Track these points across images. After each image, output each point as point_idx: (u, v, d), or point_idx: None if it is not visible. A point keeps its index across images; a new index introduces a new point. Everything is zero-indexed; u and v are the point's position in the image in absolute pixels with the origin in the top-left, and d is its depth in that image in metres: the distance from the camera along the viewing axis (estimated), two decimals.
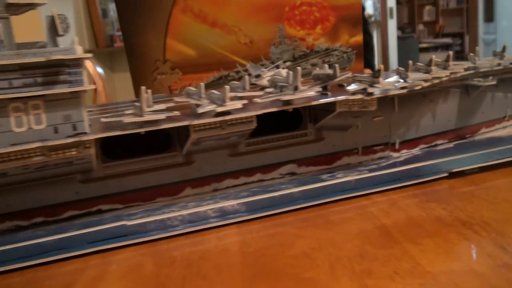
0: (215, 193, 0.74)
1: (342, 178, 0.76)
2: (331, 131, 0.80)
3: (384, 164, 0.82)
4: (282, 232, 0.65)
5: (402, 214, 0.67)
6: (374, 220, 0.66)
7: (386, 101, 0.82)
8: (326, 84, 0.83)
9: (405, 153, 0.87)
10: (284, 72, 0.92)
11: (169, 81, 1.20)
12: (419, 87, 0.78)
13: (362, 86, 0.73)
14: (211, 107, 0.65)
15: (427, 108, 0.88)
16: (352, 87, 0.73)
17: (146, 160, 0.71)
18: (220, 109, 0.64)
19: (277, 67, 0.95)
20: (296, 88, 0.68)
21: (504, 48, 0.94)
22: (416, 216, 0.66)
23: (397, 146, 0.86)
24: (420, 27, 6.68)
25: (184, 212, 0.68)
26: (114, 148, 0.68)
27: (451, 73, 0.85)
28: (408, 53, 5.47)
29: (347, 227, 0.65)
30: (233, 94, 0.71)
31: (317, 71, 0.84)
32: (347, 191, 0.75)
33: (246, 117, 0.67)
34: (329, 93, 0.74)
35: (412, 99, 0.85)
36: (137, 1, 1.05)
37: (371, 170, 0.79)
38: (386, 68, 5.19)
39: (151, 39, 1.12)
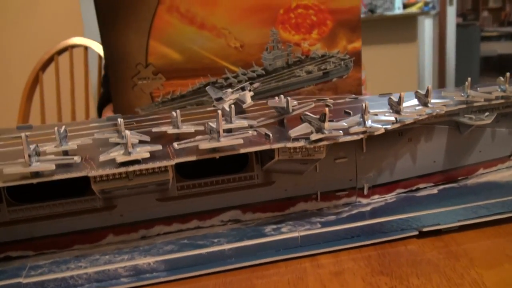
0: (139, 243, 0.65)
1: (286, 234, 0.65)
2: (283, 174, 0.69)
3: (345, 215, 0.70)
4: None
5: None
6: None
7: (353, 140, 0.70)
8: (282, 118, 0.72)
9: (376, 200, 0.75)
10: (248, 96, 0.82)
11: (151, 87, 1.13)
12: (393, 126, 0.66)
13: (309, 130, 0.61)
14: (114, 155, 0.56)
15: (405, 148, 0.75)
16: (298, 130, 0.62)
17: (62, 203, 0.63)
18: (121, 159, 0.55)
19: (243, 89, 0.84)
20: (219, 135, 0.58)
21: (506, 77, 0.79)
22: None
23: (365, 192, 0.74)
24: (485, 14, 6.23)
25: (91, 270, 0.59)
26: (22, 191, 0.61)
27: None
28: (469, 43, 5.14)
29: None
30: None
31: (272, 102, 0.73)
32: (290, 249, 0.64)
33: (159, 167, 0.58)
34: (270, 135, 0.63)
35: (385, 138, 0.72)
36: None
37: (324, 224, 0.67)
38: (442, 62, 4.87)
39: (132, 40, 1.06)
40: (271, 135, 0.63)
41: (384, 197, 0.76)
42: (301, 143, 0.60)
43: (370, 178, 0.74)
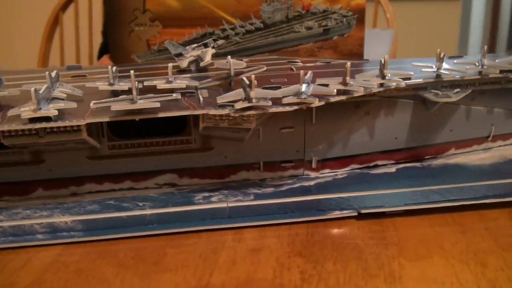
0: (66, 200, 0.64)
1: (214, 204, 0.62)
2: (223, 140, 0.66)
3: (284, 188, 0.66)
4: (91, 269, 0.54)
5: (243, 272, 0.52)
6: (204, 272, 0.52)
7: (300, 109, 0.65)
8: (229, 80, 0.67)
9: (326, 174, 0.70)
10: (209, 53, 0.78)
11: (148, 34, 1.12)
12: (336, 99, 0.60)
13: (239, 96, 0.57)
14: (23, 110, 0.53)
15: (361, 121, 0.69)
16: (228, 96, 0.57)
17: None
18: (27, 115, 0.52)
19: (205, 45, 0.79)
20: (132, 99, 0.54)
21: (484, 51, 0.71)
22: (258, 280, 0.51)
23: (314, 165, 0.69)
24: None
25: (6, 224, 0.59)
26: None
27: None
28: None
29: (167, 277, 0.52)
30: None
31: (219, 63, 0.69)
32: (216, 220, 0.61)
33: (71, 126, 0.55)
34: (201, 99, 0.59)
35: (338, 109, 0.67)
36: None
37: (259, 196, 0.64)
38: (495, 24, 4.56)
39: None
40: (201, 98, 0.59)
41: (336, 172, 0.71)
42: (225, 111, 0.56)
43: (319, 151, 0.69)
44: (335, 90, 0.59)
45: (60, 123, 0.54)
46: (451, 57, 0.79)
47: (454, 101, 0.67)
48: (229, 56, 0.68)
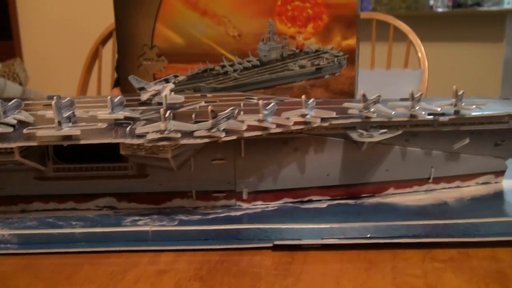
0: (12, 216, 0.71)
1: (138, 227, 0.67)
2: (158, 168, 0.71)
3: (210, 216, 0.70)
4: (11, 278, 0.59)
5: None
6: None
7: (230, 143, 0.70)
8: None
9: (258, 206, 0.74)
10: (167, 89, 0.84)
11: (154, 69, 1.20)
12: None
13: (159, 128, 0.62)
14: None
15: (290, 157, 0.72)
16: (149, 126, 0.63)
17: None
18: None
19: (167, 81, 0.86)
20: (59, 124, 0.60)
21: (410, 94, 0.73)
22: None
23: (244, 196, 0.73)
24: None
25: None
26: None
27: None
28: None
29: None
30: None
31: (158, 97, 0.74)
32: (140, 242, 0.66)
33: (5, 148, 0.62)
34: (127, 128, 0.64)
35: (266, 145, 0.71)
36: None
37: (183, 222, 0.68)
38: None
39: (140, 22, 1.14)
40: (128, 128, 0.65)
41: (268, 204, 0.74)
42: (140, 141, 0.61)
43: (249, 183, 0.72)
44: (245, 126, 0.64)
45: None
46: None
47: (376, 141, 0.69)
48: (167, 93, 0.73)
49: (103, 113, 0.70)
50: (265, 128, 0.65)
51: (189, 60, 1.17)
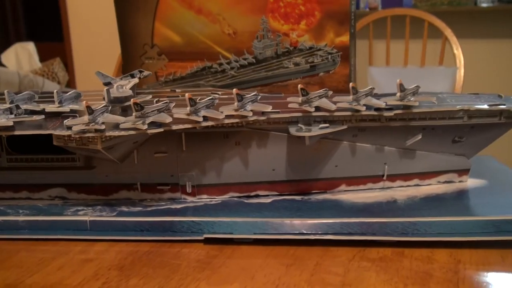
0: None
1: (77, 216, 0.69)
2: (103, 160, 0.72)
3: (150, 208, 0.71)
4: None
5: (57, 277, 0.58)
6: (27, 273, 0.59)
7: (173, 136, 0.70)
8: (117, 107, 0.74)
9: (203, 199, 0.74)
10: (131, 84, 0.86)
11: (156, 67, 1.23)
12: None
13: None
14: None
15: (232, 151, 0.72)
16: (79, 119, 0.64)
17: None
18: None
19: (132, 76, 0.88)
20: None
21: (355, 89, 0.70)
22: (64, 285, 0.57)
23: (188, 190, 0.73)
24: None
25: None
26: None
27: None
28: None
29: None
30: None
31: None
32: (78, 231, 0.68)
33: None
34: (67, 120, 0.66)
35: (207, 138, 0.71)
36: None
37: (122, 213, 0.69)
38: None
39: (140, 22, 1.17)
40: (68, 120, 0.67)
41: (214, 198, 0.74)
42: (68, 132, 0.63)
43: (192, 176, 0.73)
44: (170, 119, 0.64)
45: None
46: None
47: (314, 135, 0.67)
48: (106, 88, 0.75)
49: (51, 106, 0.72)
50: (196, 122, 0.65)
51: (188, 58, 1.18)
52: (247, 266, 0.60)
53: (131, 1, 1.15)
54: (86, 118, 0.61)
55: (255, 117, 0.68)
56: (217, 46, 1.18)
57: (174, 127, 0.65)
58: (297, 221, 0.66)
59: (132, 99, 0.63)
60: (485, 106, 0.70)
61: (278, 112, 0.69)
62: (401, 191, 0.75)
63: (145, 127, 0.62)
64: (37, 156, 0.73)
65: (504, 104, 0.71)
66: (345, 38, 1.15)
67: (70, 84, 3.91)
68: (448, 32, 2.39)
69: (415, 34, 2.63)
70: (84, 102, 0.62)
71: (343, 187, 0.76)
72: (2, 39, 4.29)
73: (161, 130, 0.64)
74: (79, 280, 0.57)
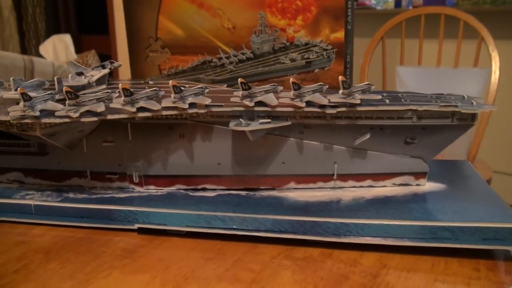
0: None
1: (23, 200, 0.71)
2: (55, 147, 0.74)
3: (95, 196, 0.72)
4: None
5: None
6: None
7: (120, 126, 0.72)
8: None
9: (151, 189, 0.75)
10: (100, 74, 0.88)
11: (159, 60, 1.27)
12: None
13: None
14: None
15: (176, 143, 0.72)
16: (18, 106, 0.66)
17: None
18: None
19: (103, 67, 0.89)
20: None
21: (297, 84, 0.68)
22: None
23: (135, 180, 0.74)
24: None
25: None
26: None
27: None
28: None
29: None
30: None
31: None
32: (24, 214, 0.70)
33: None
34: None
35: (152, 130, 0.71)
36: None
37: (66, 199, 0.71)
38: None
39: (146, 15, 1.21)
40: (11, 107, 0.69)
41: (160, 189, 0.75)
42: (7, 117, 0.65)
43: (139, 167, 0.73)
44: (102, 108, 0.65)
45: None
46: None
47: (251, 130, 0.66)
48: (56, 77, 0.76)
49: (8, 93, 0.75)
50: (132, 112, 0.66)
51: (189, 51, 1.20)
52: (167, 257, 0.60)
53: None
54: (21, 104, 0.63)
55: (194, 110, 0.67)
56: (217, 40, 1.19)
57: (109, 117, 0.65)
58: (228, 216, 0.65)
59: (64, 87, 0.64)
60: (435, 107, 0.67)
61: (221, 106, 0.69)
62: (351, 192, 0.73)
63: (77, 115, 0.63)
64: None
65: (456, 105, 0.67)
66: (340, 35, 1.13)
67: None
68: (485, 33, 2.29)
69: (450, 33, 2.53)
70: (19, 89, 0.64)
71: (292, 184, 0.74)
72: (53, 31, 4.46)
73: (95, 119, 0.65)
74: (2, 260, 0.59)
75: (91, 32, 4.67)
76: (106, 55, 3.84)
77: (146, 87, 0.84)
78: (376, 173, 0.74)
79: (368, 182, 0.74)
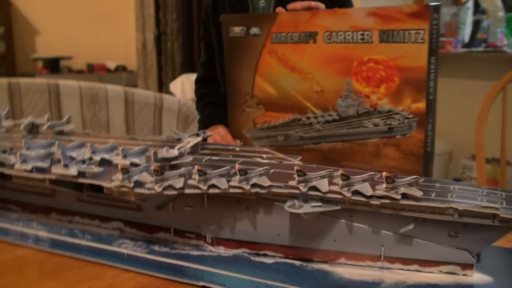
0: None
1: (119, 248, 0.88)
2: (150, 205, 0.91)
3: (174, 251, 0.87)
4: None
5: None
6: None
7: (199, 195, 0.86)
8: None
9: (220, 251, 0.87)
10: (192, 142, 1.04)
11: (254, 115, 1.45)
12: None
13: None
14: None
15: (243, 214, 0.84)
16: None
17: None
18: None
19: (197, 135, 1.06)
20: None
21: (346, 176, 0.76)
22: None
23: (208, 240, 0.87)
24: None
25: None
26: None
27: None
28: None
29: None
30: None
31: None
32: (118, 259, 0.87)
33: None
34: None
35: (225, 201, 0.84)
36: (236, 41, 1.31)
37: (152, 251, 0.86)
38: None
39: (244, 75, 1.38)
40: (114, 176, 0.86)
41: (229, 250, 0.87)
42: (110, 185, 0.82)
43: (211, 230, 0.87)
44: (181, 184, 0.79)
45: None
46: None
47: (303, 212, 0.75)
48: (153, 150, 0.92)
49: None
50: (200, 188, 0.79)
51: (281, 109, 1.34)
52: None
53: (238, 57, 1.35)
54: (120, 177, 0.81)
55: (256, 190, 0.79)
56: (306, 101, 1.31)
57: (186, 191, 0.80)
58: (276, 285, 0.75)
59: (152, 165, 0.80)
60: (474, 207, 0.71)
61: (280, 187, 0.80)
62: (396, 274, 0.78)
63: (160, 189, 0.79)
64: (105, 195, 0.95)
65: (497, 208, 0.70)
66: (421, 105, 1.18)
67: None
68: None
69: None
70: (120, 164, 0.82)
71: (342, 260, 0.82)
72: (188, 65, 4.90)
73: (175, 193, 0.80)
74: None
75: None
76: None
77: (230, 155, 0.98)
78: (423, 260, 0.78)
79: (415, 266, 0.79)
